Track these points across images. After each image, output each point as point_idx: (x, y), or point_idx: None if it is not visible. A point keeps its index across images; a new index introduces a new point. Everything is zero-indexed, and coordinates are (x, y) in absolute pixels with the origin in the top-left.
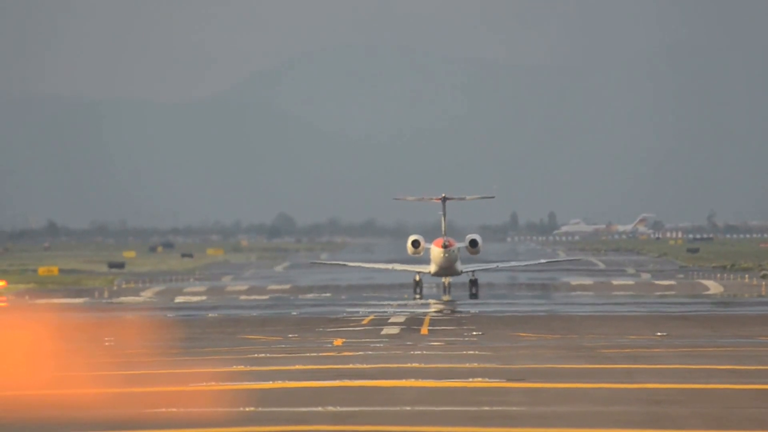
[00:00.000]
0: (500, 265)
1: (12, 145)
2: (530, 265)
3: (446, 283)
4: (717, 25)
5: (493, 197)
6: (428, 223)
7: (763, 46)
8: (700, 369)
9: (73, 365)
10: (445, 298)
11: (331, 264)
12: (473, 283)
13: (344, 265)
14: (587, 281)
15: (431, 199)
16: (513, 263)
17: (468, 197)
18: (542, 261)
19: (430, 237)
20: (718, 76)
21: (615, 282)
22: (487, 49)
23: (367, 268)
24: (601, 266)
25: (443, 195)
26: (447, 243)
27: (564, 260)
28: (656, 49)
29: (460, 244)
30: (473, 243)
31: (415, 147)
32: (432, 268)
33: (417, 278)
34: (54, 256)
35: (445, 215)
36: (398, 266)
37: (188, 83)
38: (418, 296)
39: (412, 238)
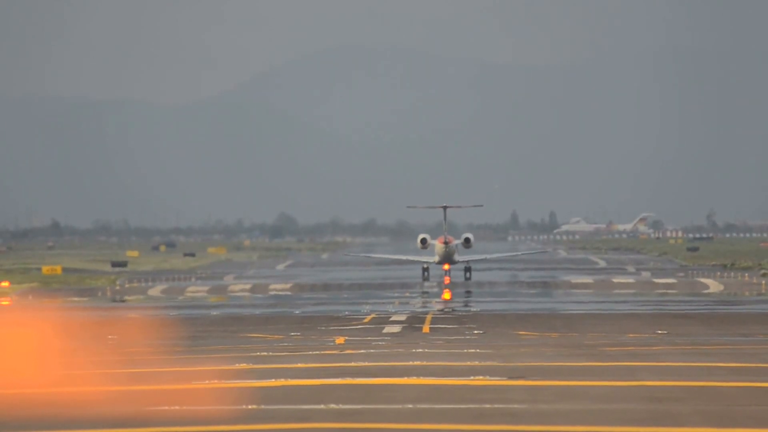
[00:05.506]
0: (488, 256)
1: (16, 145)
2: (509, 256)
3: (446, 269)
4: (720, 28)
5: (481, 206)
6: (428, 223)
7: (764, 50)
8: (701, 367)
9: (77, 363)
10: (446, 284)
11: (357, 256)
12: (467, 269)
13: (369, 256)
14: (588, 279)
15: (435, 207)
16: (497, 255)
17: (463, 206)
18: (518, 253)
19: (430, 234)
20: (720, 78)
21: (615, 280)
22: (490, 50)
23: (387, 259)
24: (602, 265)
25: (444, 204)
26: (447, 240)
27: (537, 251)
28: (659, 51)
29: (457, 241)
30: (467, 240)
31: (416, 147)
32: (436, 258)
33: (425, 266)
34: (57, 255)
35: (445, 219)
36: (411, 257)
37: (191, 84)
38: (425, 282)
39: (421, 236)
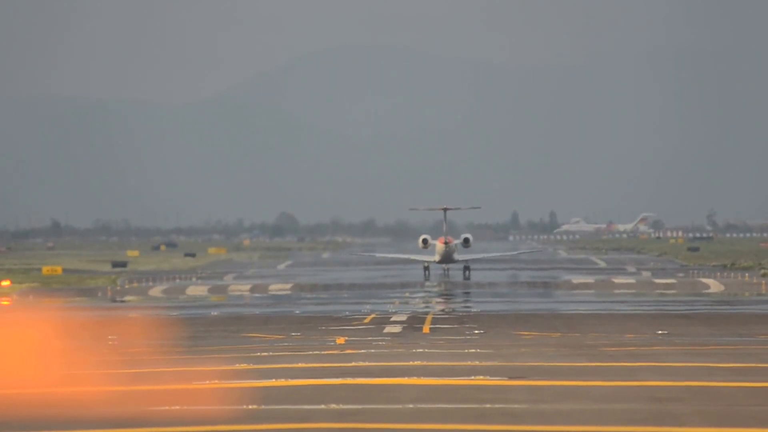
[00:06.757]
0: (485, 255)
1: (17, 145)
2: (507, 255)
3: (446, 268)
4: (719, 27)
5: (479, 207)
6: (428, 223)
7: (764, 50)
8: (701, 367)
9: (77, 363)
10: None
11: (361, 255)
12: (466, 268)
13: (372, 255)
14: (588, 279)
15: (435, 209)
16: (495, 254)
17: (462, 208)
18: (516, 252)
19: (431, 234)
20: (720, 77)
21: (616, 280)
22: (490, 49)
23: (390, 258)
24: (602, 265)
25: (444, 206)
26: (447, 240)
27: (534, 251)
28: (658, 50)
29: (457, 241)
30: (466, 240)
31: (417, 147)
32: (437, 257)
33: (426, 265)
34: (58, 255)
35: (446, 220)
36: (413, 256)
37: (191, 84)
38: (426, 279)
39: (422, 237)
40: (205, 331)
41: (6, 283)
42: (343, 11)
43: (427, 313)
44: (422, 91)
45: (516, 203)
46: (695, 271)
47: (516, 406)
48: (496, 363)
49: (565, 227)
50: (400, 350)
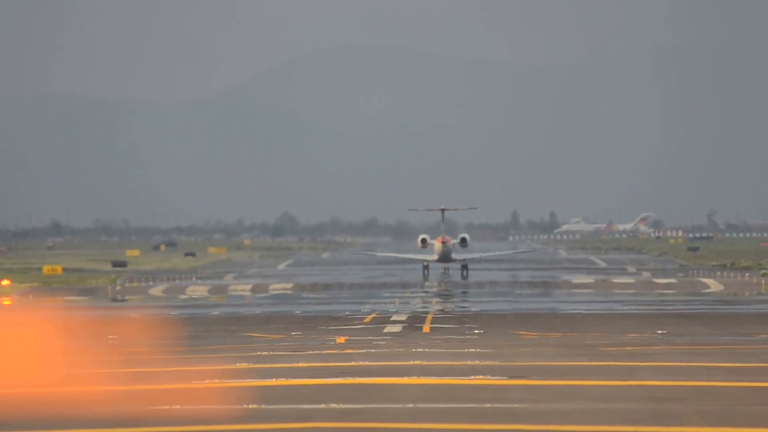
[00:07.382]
0: (483, 255)
1: (17, 145)
2: (505, 254)
3: (445, 267)
4: (720, 26)
5: (476, 208)
6: (428, 223)
7: (764, 49)
8: (701, 366)
9: (78, 363)
10: (445, 284)
11: (361, 254)
12: (464, 267)
13: (373, 254)
14: (588, 279)
15: (434, 209)
16: (491, 253)
17: (460, 208)
18: (513, 251)
19: (430, 234)
20: (720, 77)
21: (616, 280)
22: (490, 49)
23: (390, 257)
24: (602, 265)
25: (442, 207)
26: (445, 240)
27: (531, 251)
28: (658, 49)
29: (454, 241)
30: (463, 240)
31: (417, 147)
32: (435, 257)
33: (425, 264)
34: (58, 254)
35: (443, 220)
36: (412, 255)
37: (191, 83)
38: (425, 279)
39: (421, 236)
40: (205, 330)
41: (6, 282)
42: (343, 11)
43: (427, 313)
44: (422, 90)
45: (516, 203)
46: (695, 271)
47: (516, 405)
48: (496, 362)
49: (565, 227)
50: (400, 350)
